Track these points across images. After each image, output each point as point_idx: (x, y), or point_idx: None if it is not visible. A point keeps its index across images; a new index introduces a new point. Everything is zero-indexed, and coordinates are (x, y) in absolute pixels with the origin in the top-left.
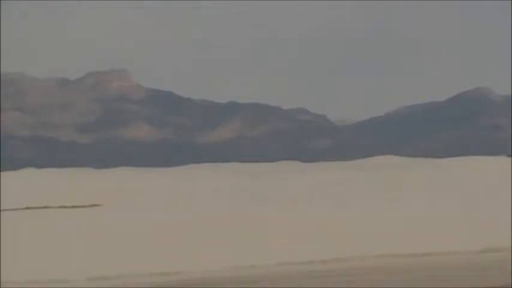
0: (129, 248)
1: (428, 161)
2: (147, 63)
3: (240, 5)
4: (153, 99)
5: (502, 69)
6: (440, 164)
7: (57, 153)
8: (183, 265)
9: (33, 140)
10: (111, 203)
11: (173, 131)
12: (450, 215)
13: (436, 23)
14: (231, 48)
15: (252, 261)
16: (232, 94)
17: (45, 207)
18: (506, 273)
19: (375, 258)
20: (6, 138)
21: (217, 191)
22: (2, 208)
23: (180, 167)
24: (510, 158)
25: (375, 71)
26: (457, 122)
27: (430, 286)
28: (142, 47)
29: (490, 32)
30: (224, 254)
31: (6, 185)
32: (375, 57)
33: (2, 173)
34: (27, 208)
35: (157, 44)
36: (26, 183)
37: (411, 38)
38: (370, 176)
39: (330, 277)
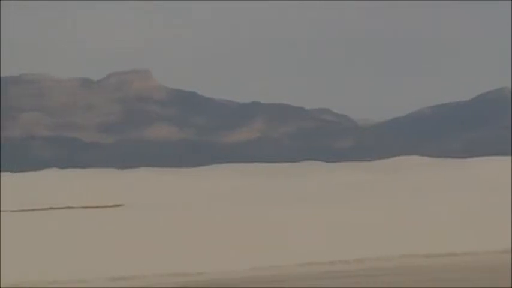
0: (151, 248)
1: (451, 161)
2: (170, 63)
3: (260, 5)
4: (175, 99)
5: None
6: (463, 164)
7: (80, 153)
8: (204, 266)
9: (56, 141)
10: (134, 203)
11: (195, 132)
12: (473, 215)
13: (459, 22)
14: (254, 48)
15: (272, 262)
16: (255, 94)
17: (68, 207)
18: None
19: (398, 258)
20: (28, 139)
21: (240, 192)
22: (25, 208)
23: (202, 168)
24: None
25: (399, 71)
26: (480, 122)
27: (453, 287)
28: (165, 46)
29: None
30: (245, 254)
31: (29, 186)
32: (399, 58)
33: (24, 173)
34: (50, 208)
35: (180, 43)
36: (48, 183)
37: (434, 38)
38: (393, 176)
39: (351, 277)
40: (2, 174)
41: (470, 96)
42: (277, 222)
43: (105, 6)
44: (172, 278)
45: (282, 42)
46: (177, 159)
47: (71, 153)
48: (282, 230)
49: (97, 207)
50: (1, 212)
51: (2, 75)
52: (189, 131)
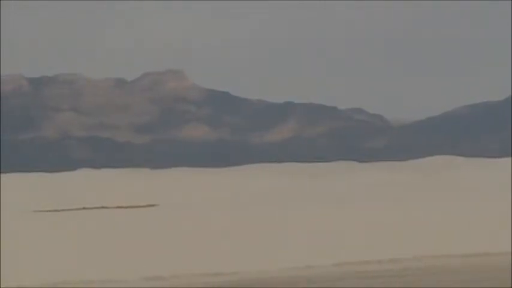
0: (185, 248)
1: (485, 160)
2: (203, 63)
3: (292, 4)
4: (209, 99)
5: None
6: (498, 163)
7: (114, 153)
8: (238, 265)
9: (90, 141)
10: (168, 203)
11: (229, 131)
12: (507, 215)
13: (491, 22)
14: (286, 48)
15: (308, 262)
16: (288, 94)
17: (102, 207)
18: None
19: (431, 258)
20: (62, 139)
21: (274, 191)
22: (58, 209)
23: (236, 167)
24: None
25: (432, 70)
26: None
27: (488, 286)
28: (199, 47)
29: None
30: (278, 254)
31: (63, 186)
32: (433, 57)
33: (59, 173)
34: (84, 208)
35: (213, 43)
36: (82, 183)
37: (467, 38)
38: (427, 176)
39: (386, 277)
40: (36, 174)
41: (503, 96)
42: (310, 222)
43: (136, 6)
44: (206, 278)
45: (315, 42)
46: (211, 159)
47: (105, 153)
48: (318, 229)
49: (131, 207)
50: (35, 212)
51: (36, 76)
52: (223, 131)
